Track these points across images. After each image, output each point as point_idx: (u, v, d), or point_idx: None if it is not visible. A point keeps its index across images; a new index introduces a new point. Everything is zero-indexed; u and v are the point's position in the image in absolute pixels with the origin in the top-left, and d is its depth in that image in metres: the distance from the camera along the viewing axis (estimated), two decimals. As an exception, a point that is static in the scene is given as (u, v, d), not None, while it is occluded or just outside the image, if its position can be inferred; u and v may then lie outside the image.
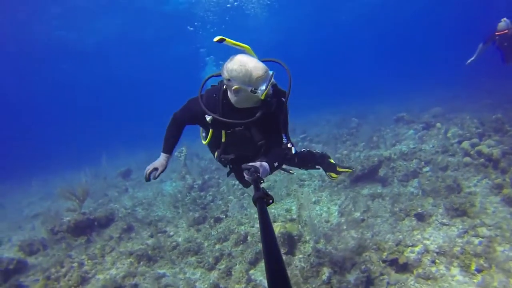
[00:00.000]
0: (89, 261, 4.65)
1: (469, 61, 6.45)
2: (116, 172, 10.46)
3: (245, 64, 1.69)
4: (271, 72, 1.79)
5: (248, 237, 4.56)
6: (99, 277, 4.27)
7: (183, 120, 2.26)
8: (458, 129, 7.30)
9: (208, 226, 5.31)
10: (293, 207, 5.49)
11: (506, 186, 4.77)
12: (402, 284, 3.32)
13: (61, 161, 15.58)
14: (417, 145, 7.26)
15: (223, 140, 2.15)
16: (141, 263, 4.39)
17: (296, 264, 3.73)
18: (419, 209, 4.58)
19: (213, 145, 2.35)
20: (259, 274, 3.82)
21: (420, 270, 3.49)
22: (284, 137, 2.04)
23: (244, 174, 1.66)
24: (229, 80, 1.76)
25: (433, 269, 3.50)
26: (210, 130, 2.17)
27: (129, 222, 5.75)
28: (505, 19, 5.66)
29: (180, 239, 5.01)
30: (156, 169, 2.27)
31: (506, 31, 5.58)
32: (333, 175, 3.22)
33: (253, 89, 1.72)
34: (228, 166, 2.44)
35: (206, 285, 3.71)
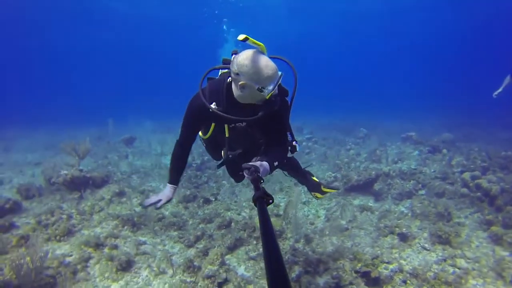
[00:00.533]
0: (77, 216, 4.84)
1: (496, 93, 6.35)
2: (120, 138, 10.68)
3: (256, 61, 1.66)
4: (280, 73, 1.76)
5: (232, 224, 4.67)
6: (84, 232, 4.45)
7: (187, 131, 2.18)
8: (463, 159, 7.21)
9: (196, 206, 5.44)
10: (282, 203, 5.57)
11: (496, 223, 4.74)
12: (368, 296, 3.39)
13: (71, 117, 15.94)
14: (419, 166, 7.21)
15: (226, 135, 2.13)
16: (125, 227, 4.54)
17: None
18: (404, 229, 4.60)
19: (213, 141, 2.32)
20: (234, 261, 3.93)
21: (389, 287, 3.55)
22: (289, 135, 2.05)
23: (244, 174, 1.65)
24: (237, 74, 1.72)
25: (403, 289, 3.55)
26: (212, 124, 2.14)
27: (123, 187, 5.92)
28: None
29: (166, 213, 5.15)
30: (159, 200, 2.20)
31: None
32: (318, 195, 3.22)
33: (260, 88, 1.70)
34: (228, 161, 2.40)
35: (181, 260, 3.83)
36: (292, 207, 5.14)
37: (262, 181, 1.53)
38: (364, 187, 6.23)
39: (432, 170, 6.96)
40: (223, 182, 6.54)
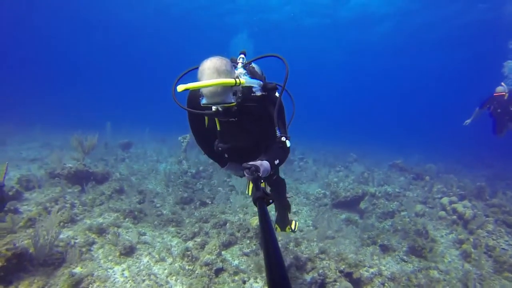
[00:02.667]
0: (80, 206, 5.14)
1: (466, 122, 7.13)
2: (117, 142, 11.01)
3: (200, 72, 1.72)
4: (219, 89, 1.70)
5: (227, 224, 5.06)
6: (86, 221, 4.75)
7: (194, 123, 2.36)
8: (443, 187, 7.87)
9: (193, 207, 5.82)
10: (273, 210, 6.00)
11: (467, 242, 5.29)
12: (350, 292, 3.81)
13: (68, 118, 16.18)
14: (403, 190, 7.81)
15: (218, 128, 2.21)
16: (127, 219, 4.88)
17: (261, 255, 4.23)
18: (386, 242, 5.09)
19: (210, 134, 2.38)
20: (229, 256, 4.30)
21: (369, 287, 3.98)
22: (278, 130, 2.00)
23: (245, 173, 1.68)
24: None
25: (380, 289, 3.99)
26: (206, 118, 2.26)
27: (122, 184, 6.26)
28: (503, 83, 6.38)
29: (165, 212, 5.51)
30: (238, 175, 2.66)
31: (504, 93, 6.26)
32: (279, 229, 3.23)
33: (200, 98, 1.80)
34: (223, 158, 2.50)
35: (180, 250, 4.19)
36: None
37: (262, 181, 1.70)
38: (351, 204, 6.75)
39: (415, 194, 7.56)
40: (219, 188, 6.94)
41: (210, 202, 6.06)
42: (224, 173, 8.21)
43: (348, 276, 4.05)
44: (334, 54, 26.19)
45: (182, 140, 8.95)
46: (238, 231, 4.81)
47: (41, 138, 11.79)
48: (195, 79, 1.77)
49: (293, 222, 3.40)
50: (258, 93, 2.01)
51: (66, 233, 4.33)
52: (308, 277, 3.94)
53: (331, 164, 11.18)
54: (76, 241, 4.12)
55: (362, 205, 6.78)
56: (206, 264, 3.73)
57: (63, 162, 6.19)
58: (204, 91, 1.72)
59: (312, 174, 9.49)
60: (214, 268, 3.70)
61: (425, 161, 11.50)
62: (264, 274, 3.87)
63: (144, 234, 4.58)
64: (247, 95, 1.99)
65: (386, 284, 4.10)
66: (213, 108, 1.90)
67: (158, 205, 5.90)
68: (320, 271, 3.97)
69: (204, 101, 1.77)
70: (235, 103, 1.81)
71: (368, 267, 4.34)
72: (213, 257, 3.83)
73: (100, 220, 4.82)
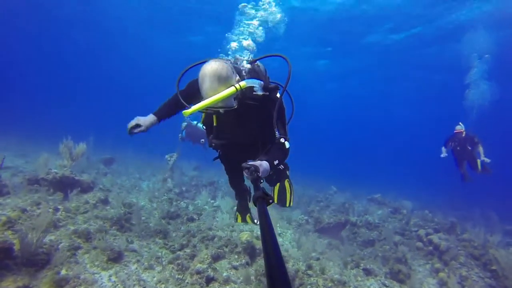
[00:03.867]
0: (63, 212, 5.00)
1: (442, 155, 7.94)
2: (99, 157, 10.78)
3: (202, 78, 1.84)
4: (221, 95, 1.80)
5: (215, 239, 5.07)
6: (69, 227, 4.61)
7: (182, 95, 2.25)
8: (419, 220, 8.31)
9: (179, 222, 5.78)
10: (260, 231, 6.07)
11: (443, 271, 5.58)
12: (337, 309, 3.90)
13: (46, 130, 15.66)
14: (382, 222, 8.15)
15: (214, 123, 2.22)
16: (113, 227, 4.79)
17: (252, 270, 4.27)
18: (368, 266, 5.28)
19: (207, 127, 2.42)
20: (218, 269, 4.30)
21: (354, 306, 4.10)
22: (277, 131, 2.03)
23: (244, 173, 1.68)
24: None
25: (365, 308, 4.11)
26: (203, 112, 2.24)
27: (107, 195, 6.14)
28: (461, 123, 7.41)
29: (151, 224, 5.45)
30: (138, 125, 2.27)
31: (462, 131, 7.33)
32: (239, 218, 3.13)
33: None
34: (218, 153, 2.51)
35: (168, 259, 4.15)
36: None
37: (261, 181, 1.58)
38: (333, 231, 6.95)
39: (393, 227, 7.90)
40: (205, 207, 6.95)
41: (197, 218, 6.05)
42: (208, 194, 8.24)
43: (334, 293, 4.16)
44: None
45: (169, 159, 8.98)
46: (226, 246, 4.84)
47: (15, 148, 11.32)
48: (196, 74, 1.94)
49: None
50: (260, 93, 2.06)
51: (48, 238, 4.18)
52: (296, 293, 4.01)
53: (312, 195, 11.45)
54: (60, 245, 3.99)
55: (344, 234, 6.99)
56: (198, 272, 3.73)
57: (48, 167, 6.03)
58: (208, 93, 1.83)
59: (294, 202, 9.67)
60: (205, 276, 3.71)
61: (401, 197, 12.06)
62: (253, 286, 3.90)
63: (132, 242, 4.50)
64: (248, 93, 2.05)
65: (370, 304, 4.23)
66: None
67: (143, 218, 5.81)
68: (308, 287, 4.06)
69: (208, 107, 1.83)
70: (236, 106, 1.91)
71: (354, 287, 4.47)
72: (205, 266, 3.85)
73: (85, 226, 4.70)
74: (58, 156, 6.45)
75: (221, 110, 1.90)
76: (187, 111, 1.76)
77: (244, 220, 3.10)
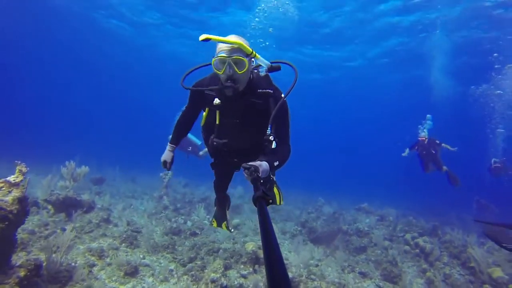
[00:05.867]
0: (71, 232, 5.15)
1: (404, 154, 8.82)
2: (88, 177, 10.76)
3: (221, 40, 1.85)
4: (236, 46, 1.87)
5: (220, 251, 5.39)
6: (79, 247, 4.80)
7: (189, 104, 2.44)
8: (405, 226, 8.98)
9: (183, 237, 6.05)
10: (260, 242, 6.44)
11: (429, 271, 6.16)
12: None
13: (33, 151, 15.32)
14: (370, 229, 8.73)
15: (217, 122, 2.23)
16: (123, 244, 5.01)
17: (259, 277, 4.63)
18: (363, 269, 5.76)
19: (207, 129, 2.41)
20: (231, 274, 4.63)
21: (355, 305, 4.53)
22: (269, 129, 2.04)
23: (244, 174, 1.68)
24: None
25: (365, 307, 4.56)
26: (207, 109, 2.28)
27: (109, 214, 6.31)
28: (425, 130, 8.47)
29: (156, 240, 5.68)
30: (165, 162, 2.56)
31: (424, 138, 8.31)
32: (215, 224, 3.24)
33: (216, 54, 1.93)
34: (218, 155, 2.50)
35: (181, 272, 4.44)
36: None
37: (261, 181, 1.61)
38: (327, 240, 7.41)
39: (382, 233, 8.50)
40: (204, 222, 7.23)
41: (199, 233, 6.34)
42: (203, 210, 8.51)
43: (336, 295, 4.59)
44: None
45: (163, 177, 9.19)
46: (232, 257, 5.16)
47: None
48: (200, 76, 2.11)
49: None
50: (264, 90, 2.09)
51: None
52: (302, 296, 4.40)
53: (301, 207, 11.94)
54: (76, 264, 4.18)
55: (337, 242, 7.47)
56: (212, 281, 4.05)
57: (50, 189, 6.15)
58: (223, 47, 1.90)
59: (285, 214, 10.11)
60: (220, 285, 4.03)
61: (385, 205, 12.81)
62: (264, 292, 4.25)
63: (143, 257, 4.75)
64: (254, 90, 2.08)
65: (368, 303, 4.69)
66: (216, 101, 2.08)
67: (146, 235, 6.02)
68: (313, 290, 4.47)
69: (220, 54, 1.89)
70: (247, 62, 1.90)
71: (353, 288, 4.93)
72: (218, 275, 4.17)
73: (95, 244, 4.89)
74: (46, 177, 6.55)
75: (228, 83, 1.91)
76: (204, 36, 1.73)
77: (219, 226, 3.18)
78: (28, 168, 3.40)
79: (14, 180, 3.23)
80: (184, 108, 2.50)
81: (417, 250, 7.18)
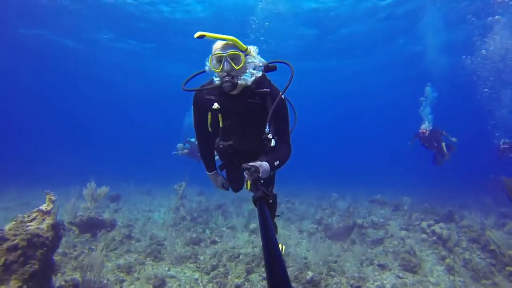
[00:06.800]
0: (97, 251, 5.46)
1: (409, 143, 8.93)
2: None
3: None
4: (231, 43, 1.93)
5: (241, 256, 5.62)
6: (107, 264, 5.09)
7: (197, 123, 2.48)
8: (420, 214, 9.06)
9: (203, 246, 6.30)
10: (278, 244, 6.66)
11: (448, 257, 6.26)
12: (362, 301, 4.51)
13: (44, 174, 15.89)
14: (386, 220, 8.84)
15: (220, 125, 2.30)
16: (148, 258, 5.28)
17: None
18: (382, 261, 5.91)
19: (213, 132, 2.46)
20: (253, 277, 4.85)
21: (376, 297, 4.70)
22: (267, 128, 2.07)
23: (245, 174, 1.70)
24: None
25: (386, 298, 4.72)
26: (209, 114, 2.35)
27: (130, 231, 6.62)
28: (426, 122, 8.31)
29: (178, 251, 5.95)
30: (222, 186, 2.72)
31: (425, 130, 8.25)
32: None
33: (213, 53, 2.00)
34: (224, 158, 2.59)
35: (206, 280, 4.68)
36: (288, 247, 6.30)
37: (261, 181, 1.63)
38: (343, 235, 7.56)
39: (397, 223, 8.60)
40: (222, 229, 7.48)
41: (219, 240, 6.58)
42: (220, 217, 8.76)
43: (357, 289, 4.77)
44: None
45: (178, 188, 9.49)
46: (253, 261, 5.39)
47: (13, 197, 11.59)
48: (200, 82, 2.19)
49: (280, 246, 3.33)
50: (261, 89, 2.14)
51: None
52: (324, 293, 4.59)
53: (316, 204, 12.10)
54: (107, 280, 4.47)
55: (353, 236, 7.62)
56: (237, 287, 4.28)
57: (74, 211, 6.49)
58: (218, 45, 1.98)
59: (301, 213, 10.30)
60: (244, 289, 4.26)
61: (400, 194, 12.85)
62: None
63: (168, 270, 5.01)
64: (252, 90, 2.13)
65: (389, 294, 4.85)
66: (215, 105, 2.16)
67: (168, 247, 6.30)
68: (334, 286, 4.65)
69: (216, 52, 1.96)
70: (243, 56, 1.98)
71: (373, 281, 5.08)
72: (241, 280, 4.40)
73: (122, 261, 5.18)
74: (65, 199, 6.89)
75: (227, 80, 1.96)
76: (199, 33, 1.80)
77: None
78: (56, 197, 3.68)
79: (45, 208, 3.52)
80: (196, 135, 2.57)
81: (434, 238, 7.27)
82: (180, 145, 9.56)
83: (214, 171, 2.69)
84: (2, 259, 2.82)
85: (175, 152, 9.63)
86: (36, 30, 16.53)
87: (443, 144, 8.49)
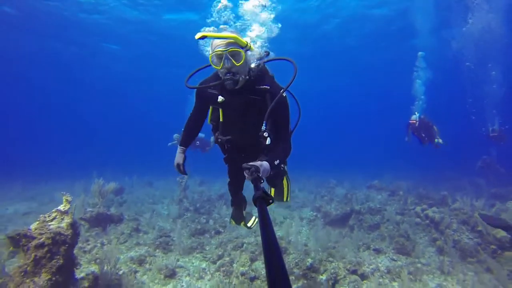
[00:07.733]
0: (108, 245, 5.82)
1: (406, 139, 9.24)
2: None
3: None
4: (231, 40, 1.96)
5: (245, 245, 6.01)
6: (120, 257, 5.45)
7: (196, 105, 2.58)
8: (415, 199, 9.49)
9: (208, 236, 6.69)
10: (280, 232, 7.06)
11: (439, 240, 6.70)
12: (358, 283, 4.92)
13: (48, 169, 16.18)
14: (382, 205, 9.27)
15: (221, 119, 2.35)
16: (157, 250, 5.66)
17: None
18: (377, 246, 6.33)
19: (214, 126, 2.52)
20: (257, 265, 5.25)
21: (371, 279, 5.12)
22: (264, 125, 2.10)
23: (245, 174, 1.73)
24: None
25: (381, 280, 5.14)
26: (211, 108, 2.44)
27: (138, 224, 6.98)
28: (416, 113, 8.64)
29: (185, 243, 6.33)
30: (178, 165, 2.67)
31: (415, 121, 8.63)
32: (233, 222, 3.34)
33: (211, 51, 2.04)
34: (226, 151, 2.59)
35: (213, 269, 5.07)
36: (290, 234, 6.70)
37: (262, 181, 1.64)
38: (341, 222, 7.99)
39: (393, 208, 9.03)
40: (226, 219, 7.87)
41: (223, 230, 6.97)
42: (222, 207, 9.15)
43: (354, 272, 5.18)
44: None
45: (180, 181, 9.80)
46: (256, 250, 5.78)
47: (19, 192, 11.89)
48: (202, 78, 2.29)
49: (253, 219, 3.45)
50: (262, 86, 2.18)
51: (106, 267, 5.02)
52: (323, 277, 5.00)
53: (315, 191, 12.52)
54: (122, 272, 4.84)
55: (351, 222, 8.04)
56: (242, 274, 4.67)
57: (84, 207, 6.82)
58: (218, 42, 2.01)
59: (301, 201, 10.72)
60: (249, 276, 4.65)
61: (396, 179, 13.30)
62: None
63: (178, 260, 5.39)
64: (253, 86, 2.17)
65: (384, 276, 5.27)
66: (220, 98, 2.20)
67: (174, 238, 6.68)
68: (332, 270, 5.05)
69: (217, 49, 1.99)
70: (243, 53, 2.01)
71: (368, 265, 5.51)
72: (246, 268, 4.78)
73: (133, 253, 5.55)
74: (71, 195, 7.21)
75: (228, 73, 2.01)
76: (199, 34, 1.85)
77: (238, 224, 3.29)
78: (72, 197, 3.98)
79: (63, 208, 3.82)
80: (192, 111, 2.65)
81: (427, 221, 7.71)
82: (176, 135, 9.83)
83: (184, 148, 2.73)
84: (33, 255, 3.16)
85: (171, 143, 9.90)
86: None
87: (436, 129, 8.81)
